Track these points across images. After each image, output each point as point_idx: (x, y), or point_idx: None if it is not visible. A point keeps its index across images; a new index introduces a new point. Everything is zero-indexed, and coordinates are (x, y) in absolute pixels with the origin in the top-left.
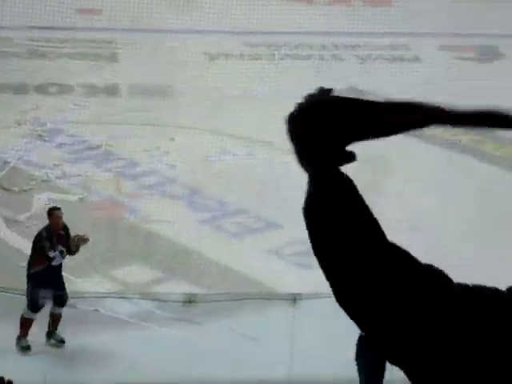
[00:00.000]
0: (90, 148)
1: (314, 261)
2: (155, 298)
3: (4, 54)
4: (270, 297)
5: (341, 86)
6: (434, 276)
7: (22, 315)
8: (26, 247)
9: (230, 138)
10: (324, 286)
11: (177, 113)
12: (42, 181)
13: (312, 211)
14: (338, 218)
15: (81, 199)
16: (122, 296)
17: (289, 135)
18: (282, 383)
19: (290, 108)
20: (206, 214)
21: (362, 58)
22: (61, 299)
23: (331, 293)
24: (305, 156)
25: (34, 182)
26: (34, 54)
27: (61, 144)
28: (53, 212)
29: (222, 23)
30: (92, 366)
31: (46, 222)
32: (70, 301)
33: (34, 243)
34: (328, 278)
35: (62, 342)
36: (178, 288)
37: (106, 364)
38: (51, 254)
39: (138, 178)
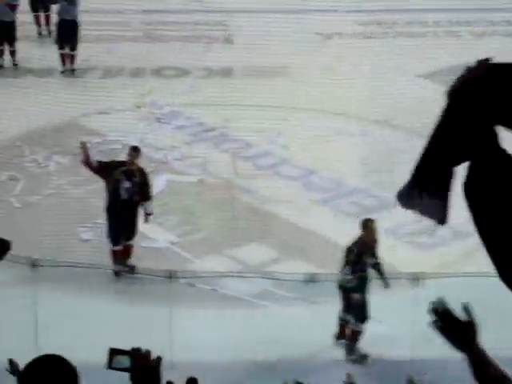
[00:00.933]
0: (207, 130)
1: (430, 240)
2: (274, 278)
3: (121, 38)
4: (390, 276)
5: (456, 63)
6: None
7: None
8: (143, 229)
9: (344, 118)
10: (443, 267)
11: (291, 93)
12: (161, 163)
13: (473, 185)
14: (501, 191)
15: (199, 181)
16: (240, 275)
17: (451, 110)
18: (404, 363)
19: (406, 86)
20: (322, 195)
21: (478, 35)
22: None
23: (451, 272)
24: (465, 132)
25: (153, 165)
26: (149, 37)
27: (178, 126)
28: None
29: (335, 2)
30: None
31: (162, 202)
32: (189, 280)
33: None
34: (490, 252)
35: None
36: (296, 268)
37: (226, 342)
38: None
39: (253, 159)
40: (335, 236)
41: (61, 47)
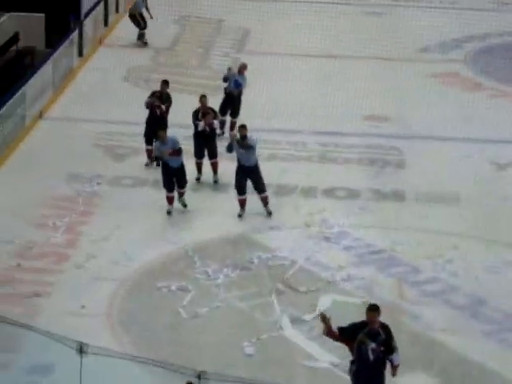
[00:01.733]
0: (375, 252)
1: None
2: None
3: (298, 157)
4: None
5: None
6: None
7: None
8: (310, 347)
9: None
10: None
11: (461, 221)
12: (328, 282)
13: None
14: None
15: (364, 303)
16: None
17: None
18: None
19: None
20: (490, 326)
21: None
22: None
23: None
24: None
25: (320, 283)
26: (323, 158)
27: (347, 247)
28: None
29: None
30: None
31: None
32: None
33: None
34: None
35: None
36: None
37: None
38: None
39: (420, 284)
40: (501, 369)
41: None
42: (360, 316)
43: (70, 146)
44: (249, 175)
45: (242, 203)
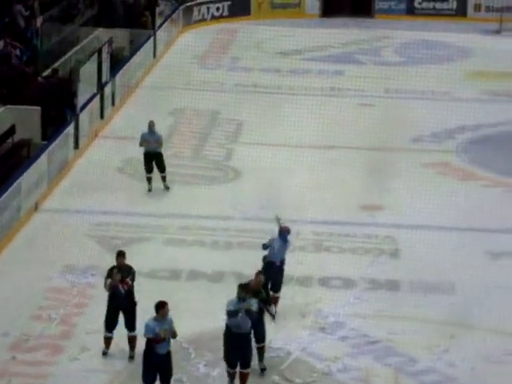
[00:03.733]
0: (371, 342)
1: None
2: None
3: (293, 247)
4: None
5: None
6: None
7: None
8: None
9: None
10: None
11: (457, 310)
12: (324, 373)
13: None
14: None
15: None
16: None
17: None
18: None
19: None
20: None
21: None
22: None
23: None
24: None
25: (315, 375)
26: (318, 247)
27: (342, 337)
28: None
29: (508, 223)
30: None
31: None
32: None
33: None
34: None
35: None
36: None
37: None
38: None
39: (417, 375)
40: None
41: None
42: None
43: (65, 238)
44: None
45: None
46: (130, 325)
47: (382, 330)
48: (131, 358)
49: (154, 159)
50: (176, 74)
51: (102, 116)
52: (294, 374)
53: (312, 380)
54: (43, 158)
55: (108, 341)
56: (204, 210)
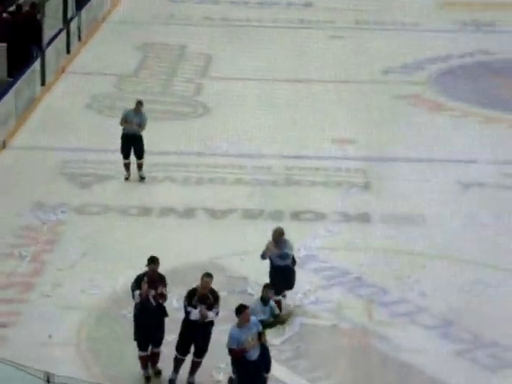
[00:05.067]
0: (342, 274)
1: None
2: None
3: (264, 182)
4: None
5: None
6: None
7: None
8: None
9: (485, 267)
10: None
11: (428, 241)
12: (295, 306)
13: None
14: None
15: (333, 326)
16: None
17: None
18: None
19: None
20: (460, 346)
21: None
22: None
23: None
24: None
25: (288, 307)
26: (289, 181)
27: (314, 270)
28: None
29: (477, 154)
30: None
31: (295, 346)
32: None
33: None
34: None
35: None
36: None
37: None
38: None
39: (389, 305)
40: None
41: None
42: (330, 339)
43: (34, 175)
44: None
45: None
46: (157, 340)
47: (353, 262)
48: (157, 373)
49: (132, 143)
50: (143, 8)
51: (68, 51)
52: None
53: (284, 312)
54: (10, 95)
55: (144, 359)
56: (174, 146)
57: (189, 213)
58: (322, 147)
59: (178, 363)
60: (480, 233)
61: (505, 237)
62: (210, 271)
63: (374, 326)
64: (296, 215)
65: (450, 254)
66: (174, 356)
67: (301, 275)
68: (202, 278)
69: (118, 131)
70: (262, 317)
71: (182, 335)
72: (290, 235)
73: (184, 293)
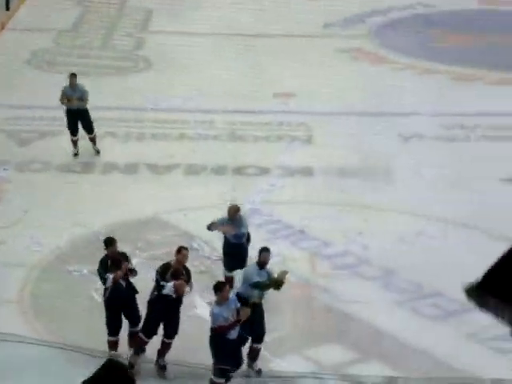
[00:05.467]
0: (286, 228)
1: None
2: (350, 380)
3: (206, 136)
4: (471, 382)
5: None
6: None
7: None
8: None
9: (428, 219)
10: None
11: (370, 193)
12: None
13: None
14: None
15: (281, 272)
16: (316, 376)
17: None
18: None
19: (489, 191)
20: (401, 296)
21: None
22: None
23: None
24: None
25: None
26: (232, 136)
27: (257, 224)
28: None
29: (418, 106)
30: None
31: None
32: (265, 379)
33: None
34: None
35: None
36: (374, 370)
37: None
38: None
39: (332, 258)
40: (413, 339)
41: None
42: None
43: None
44: None
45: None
46: (135, 318)
47: (296, 216)
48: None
49: (78, 118)
50: None
51: (7, 8)
52: (212, 260)
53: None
54: None
55: (113, 343)
56: (115, 101)
57: (131, 169)
58: (265, 102)
59: (141, 345)
60: (421, 185)
61: (446, 188)
62: (153, 227)
63: (317, 278)
64: (239, 170)
65: (393, 207)
66: (137, 337)
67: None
68: (180, 251)
69: (59, 86)
70: (258, 279)
71: (152, 315)
72: (233, 190)
73: (128, 249)
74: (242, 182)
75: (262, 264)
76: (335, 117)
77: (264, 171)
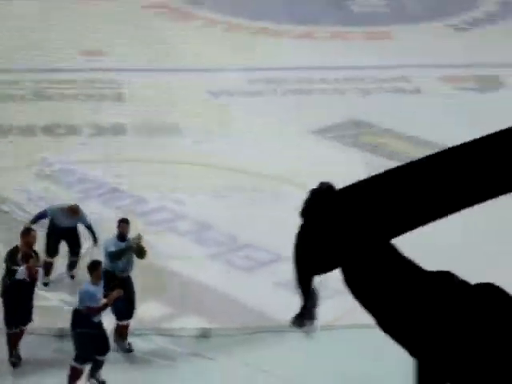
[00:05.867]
0: (99, 187)
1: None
2: (169, 334)
3: (10, 96)
4: (282, 329)
5: (342, 119)
6: (485, 294)
7: None
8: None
9: (238, 173)
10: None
11: (183, 150)
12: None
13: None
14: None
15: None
16: (135, 333)
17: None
18: None
19: (296, 143)
20: (215, 249)
21: (363, 91)
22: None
23: (343, 324)
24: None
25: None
26: (39, 95)
27: (70, 184)
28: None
29: (224, 60)
30: None
31: None
32: None
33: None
34: (371, 313)
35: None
36: (191, 323)
37: None
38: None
39: (147, 215)
40: (228, 290)
41: None
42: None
43: None
44: None
45: None
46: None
47: (109, 174)
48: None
49: None
50: None
51: None
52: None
53: (43, 230)
54: None
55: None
56: None
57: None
58: (73, 60)
59: (15, 338)
60: (234, 139)
61: (259, 142)
62: None
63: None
64: (48, 129)
65: (204, 161)
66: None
67: (56, 189)
68: (29, 232)
69: None
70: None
71: (11, 304)
72: (43, 150)
73: None
74: (52, 141)
75: (121, 235)
76: (146, 74)
77: (74, 130)
